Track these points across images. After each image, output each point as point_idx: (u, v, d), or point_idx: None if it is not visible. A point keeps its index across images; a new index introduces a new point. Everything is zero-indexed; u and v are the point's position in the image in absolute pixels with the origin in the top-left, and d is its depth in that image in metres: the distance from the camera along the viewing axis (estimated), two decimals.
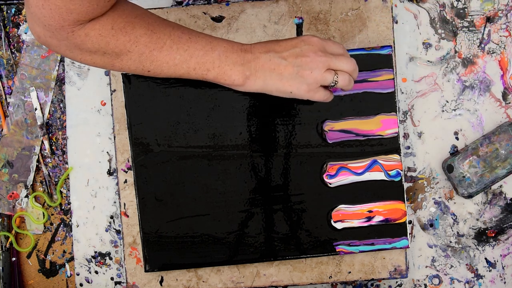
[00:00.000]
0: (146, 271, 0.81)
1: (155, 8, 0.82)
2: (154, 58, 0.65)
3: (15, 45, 0.86)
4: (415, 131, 0.84)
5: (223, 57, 0.67)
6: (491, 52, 0.84)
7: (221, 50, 0.67)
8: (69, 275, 0.86)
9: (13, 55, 0.86)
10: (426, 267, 0.84)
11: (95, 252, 0.85)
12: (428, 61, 0.84)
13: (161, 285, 0.83)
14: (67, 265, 0.86)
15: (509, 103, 0.84)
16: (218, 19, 0.82)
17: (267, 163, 0.80)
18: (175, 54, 0.66)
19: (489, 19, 0.84)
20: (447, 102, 0.84)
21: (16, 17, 0.86)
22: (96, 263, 0.85)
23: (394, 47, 0.82)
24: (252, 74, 0.68)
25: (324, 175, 0.80)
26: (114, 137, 0.83)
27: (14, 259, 0.86)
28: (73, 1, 0.57)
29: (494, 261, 0.84)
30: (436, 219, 0.84)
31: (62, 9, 0.58)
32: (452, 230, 0.84)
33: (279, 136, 0.80)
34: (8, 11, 0.86)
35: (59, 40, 0.61)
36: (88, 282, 0.85)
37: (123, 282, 0.85)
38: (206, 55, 0.66)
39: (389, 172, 0.80)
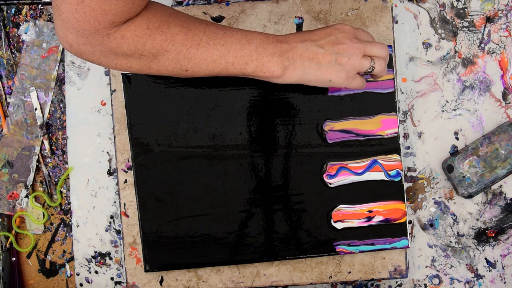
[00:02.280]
0: (146, 271, 0.81)
1: None
2: (192, 55, 0.64)
3: (15, 45, 0.86)
4: (415, 131, 0.84)
5: (260, 49, 0.66)
6: (491, 52, 0.84)
7: (257, 42, 0.66)
8: (69, 275, 0.86)
9: (13, 55, 0.86)
10: (426, 267, 0.84)
11: (95, 252, 0.85)
12: (428, 61, 0.84)
13: (161, 285, 0.83)
14: (67, 265, 0.86)
15: (509, 103, 0.84)
16: (218, 19, 0.82)
17: (267, 163, 0.80)
18: (213, 50, 0.65)
19: (489, 19, 0.84)
20: (447, 102, 0.84)
21: (16, 17, 0.86)
22: (96, 263, 0.85)
23: (394, 47, 0.82)
24: (291, 64, 0.67)
25: (324, 175, 0.80)
26: (114, 137, 0.83)
27: (14, 259, 0.86)
28: (108, 2, 0.56)
29: (494, 261, 0.84)
30: (436, 219, 0.84)
31: (97, 11, 0.56)
32: (452, 230, 0.84)
33: (279, 136, 0.80)
34: (8, 11, 0.86)
35: (93, 46, 0.60)
36: (88, 282, 0.85)
37: (123, 282, 0.85)
38: (243, 48, 0.66)
39: (389, 172, 0.80)
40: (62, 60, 0.86)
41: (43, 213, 0.86)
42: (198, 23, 0.65)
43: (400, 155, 0.80)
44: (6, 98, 0.86)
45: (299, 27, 0.82)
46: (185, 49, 0.63)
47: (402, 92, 0.84)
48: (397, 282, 0.85)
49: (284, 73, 0.67)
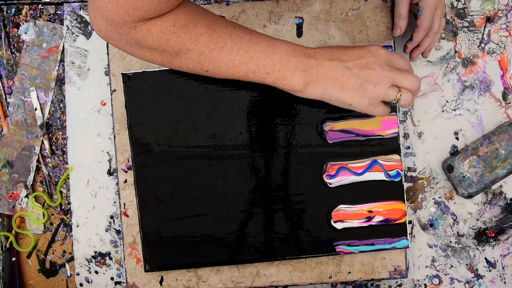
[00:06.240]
0: (146, 271, 0.81)
1: None
2: (214, 58, 0.64)
3: (15, 45, 0.86)
4: (415, 131, 0.84)
5: (284, 61, 0.64)
6: (491, 52, 0.84)
7: (283, 53, 0.65)
8: (69, 275, 0.87)
9: (13, 55, 0.86)
10: (426, 267, 0.84)
11: (95, 252, 0.85)
12: (428, 61, 0.84)
13: (161, 285, 0.83)
14: (67, 265, 0.86)
15: (509, 103, 0.84)
16: None
17: (267, 163, 0.80)
18: (235, 55, 0.64)
19: (489, 19, 0.84)
20: (447, 102, 0.84)
21: (16, 17, 0.86)
22: (96, 263, 0.85)
23: (394, 47, 0.82)
24: (313, 81, 0.65)
25: (324, 175, 0.80)
26: (114, 137, 0.83)
27: (14, 259, 0.86)
28: None
29: (494, 261, 0.84)
30: (436, 219, 0.84)
31: (130, 5, 0.57)
32: (452, 230, 0.84)
33: (279, 136, 0.80)
34: (8, 11, 0.86)
35: (120, 35, 0.61)
36: (88, 282, 0.86)
37: (123, 282, 0.86)
38: (267, 57, 0.64)
39: (389, 172, 0.80)
40: (62, 60, 0.86)
41: (43, 213, 0.86)
42: (225, 26, 0.64)
43: (400, 155, 0.80)
44: (6, 98, 0.86)
45: (299, 27, 0.82)
46: (207, 51, 0.63)
47: None
48: (397, 282, 0.85)
49: (305, 88, 0.65)
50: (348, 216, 0.81)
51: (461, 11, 0.84)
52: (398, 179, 0.80)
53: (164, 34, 0.61)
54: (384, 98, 0.66)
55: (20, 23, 0.86)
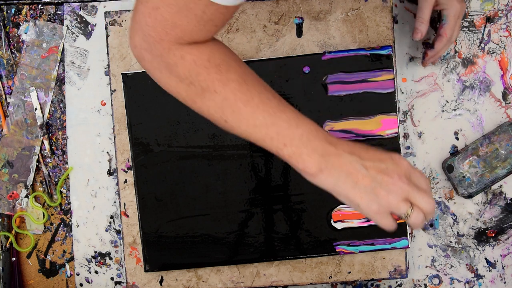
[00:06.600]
0: (146, 271, 0.81)
1: None
2: (237, 109, 0.61)
3: (15, 45, 0.86)
4: (415, 131, 0.84)
5: (305, 138, 0.61)
6: (491, 52, 0.84)
7: (306, 130, 0.61)
8: (69, 275, 0.87)
9: (13, 55, 0.86)
10: (426, 267, 0.84)
11: (95, 252, 0.85)
12: None
13: (161, 285, 0.83)
14: (67, 265, 0.86)
15: (509, 103, 0.84)
16: None
17: (267, 163, 0.80)
18: (259, 114, 0.61)
19: (489, 19, 0.84)
20: (447, 102, 0.84)
21: (16, 17, 0.86)
22: (96, 263, 0.85)
23: (394, 47, 0.82)
24: (327, 169, 0.61)
25: None
26: (114, 137, 0.83)
27: (14, 259, 0.86)
28: (181, 17, 0.55)
29: (494, 261, 0.84)
30: (436, 219, 0.84)
31: (168, 21, 0.56)
32: (452, 230, 0.84)
33: None
34: (8, 11, 0.86)
35: (153, 55, 0.59)
36: (88, 282, 0.85)
37: (123, 282, 0.86)
38: (289, 129, 0.61)
39: None
40: (62, 60, 0.86)
41: (43, 213, 0.86)
42: (257, 82, 0.62)
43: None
44: (6, 98, 0.86)
45: (299, 27, 0.82)
46: (233, 99, 0.61)
47: (402, 92, 0.84)
48: (397, 282, 0.85)
49: (317, 174, 0.62)
50: (348, 216, 0.81)
51: None
52: None
53: (197, 66, 0.60)
54: (394, 210, 0.63)
55: (20, 23, 0.86)
